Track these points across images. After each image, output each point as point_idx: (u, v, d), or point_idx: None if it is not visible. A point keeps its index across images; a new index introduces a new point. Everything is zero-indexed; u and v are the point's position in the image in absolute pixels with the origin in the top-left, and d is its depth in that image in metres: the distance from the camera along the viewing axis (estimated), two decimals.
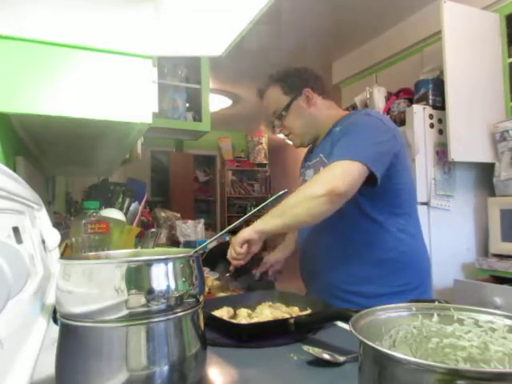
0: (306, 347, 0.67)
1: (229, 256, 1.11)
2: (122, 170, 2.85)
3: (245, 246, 1.07)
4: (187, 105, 2.26)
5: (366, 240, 1.16)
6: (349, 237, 1.17)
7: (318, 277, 1.25)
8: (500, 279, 2.07)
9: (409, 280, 1.17)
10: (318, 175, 1.11)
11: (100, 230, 1.22)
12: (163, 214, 2.33)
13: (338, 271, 1.19)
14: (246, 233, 1.06)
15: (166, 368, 0.48)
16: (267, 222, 1.07)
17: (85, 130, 1.09)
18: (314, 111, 1.28)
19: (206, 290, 1.13)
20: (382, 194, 1.13)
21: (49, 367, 0.51)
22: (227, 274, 1.20)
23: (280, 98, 1.29)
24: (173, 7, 0.88)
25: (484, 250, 2.42)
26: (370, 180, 1.06)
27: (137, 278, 0.48)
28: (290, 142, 1.40)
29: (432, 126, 2.36)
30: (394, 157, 1.11)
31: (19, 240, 0.66)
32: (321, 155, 1.24)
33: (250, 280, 1.26)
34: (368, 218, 1.15)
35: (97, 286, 0.47)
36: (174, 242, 2.16)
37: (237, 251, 1.07)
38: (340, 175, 1.02)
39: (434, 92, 2.42)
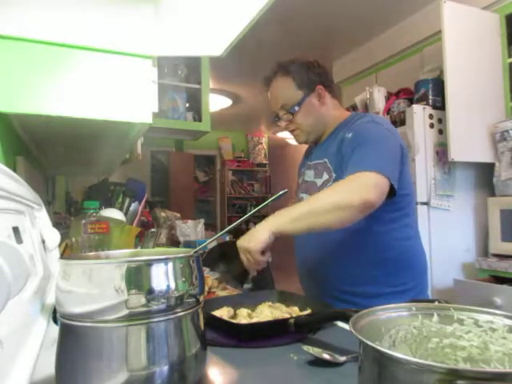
0: (305, 347, 0.67)
1: (246, 264, 1.01)
2: (121, 169, 2.85)
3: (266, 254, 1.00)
4: (187, 105, 2.26)
5: (365, 240, 1.16)
6: (347, 237, 1.16)
7: (316, 277, 1.25)
8: (500, 279, 2.07)
9: (407, 280, 1.17)
10: (346, 183, 1.04)
11: (100, 230, 1.22)
12: (163, 214, 2.33)
13: (335, 271, 1.19)
14: (263, 236, 0.96)
15: (165, 368, 0.48)
16: (286, 224, 0.99)
17: (85, 129, 1.09)
18: (324, 110, 1.26)
19: (206, 289, 1.13)
20: (387, 199, 1.12)
21: (49, 367, 0.51)
22: (245, 285, 1.12)
23: (291, 92, 1.24)
24: (173, 7, 0.88)
25: (484, 250, 2.42)
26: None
27: (137, 278, 0.48)
28: (291, 141, 1.38)
29: (432, 126, 2.36)
30: (400, 165, 1.11)
31: (19, 240, 0.66)
32: (325, 160, 1.22)
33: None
34: (368, 219, 1.14)
35: (97, 286, 0.47)
36: (173, 242, 2.16)
37: (259, 259, 0.98)
38: (372, 187, 0.99)
39: (434, 92, 2.42)
